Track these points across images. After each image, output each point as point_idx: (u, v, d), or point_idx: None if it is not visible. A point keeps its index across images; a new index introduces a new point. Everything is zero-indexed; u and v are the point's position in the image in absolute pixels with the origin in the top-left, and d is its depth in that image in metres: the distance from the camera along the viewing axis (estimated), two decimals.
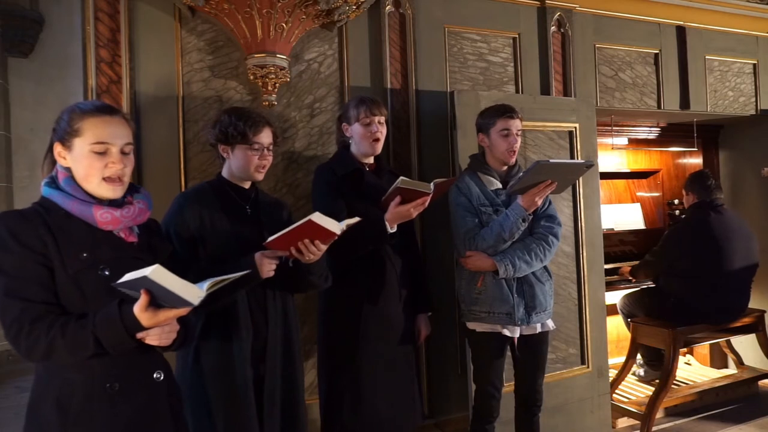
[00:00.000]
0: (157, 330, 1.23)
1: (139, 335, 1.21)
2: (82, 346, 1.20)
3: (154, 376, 1.36)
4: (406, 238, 2.26)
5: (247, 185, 1.91)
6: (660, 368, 3.48)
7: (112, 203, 1.34)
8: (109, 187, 1.31)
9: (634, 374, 3.68)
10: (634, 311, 3.50)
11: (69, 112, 1.33)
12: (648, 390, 3.45)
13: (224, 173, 1.91)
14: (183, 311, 1.21)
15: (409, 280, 2.24)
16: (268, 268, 1.67)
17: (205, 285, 1.19)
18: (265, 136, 1.86)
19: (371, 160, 2.26)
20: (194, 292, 1.16)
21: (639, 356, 3.58)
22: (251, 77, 2.46)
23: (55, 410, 1.25)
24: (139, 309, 1.16)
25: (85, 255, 1.27)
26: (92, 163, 1.29)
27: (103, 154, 1.30)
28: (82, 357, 1.22)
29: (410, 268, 2.27)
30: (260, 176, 1.88)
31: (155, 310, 1.17)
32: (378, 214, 2.01)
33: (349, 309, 2.12)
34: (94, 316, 1.21)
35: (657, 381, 3.40)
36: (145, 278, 1.09)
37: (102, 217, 1.30)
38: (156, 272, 1.09)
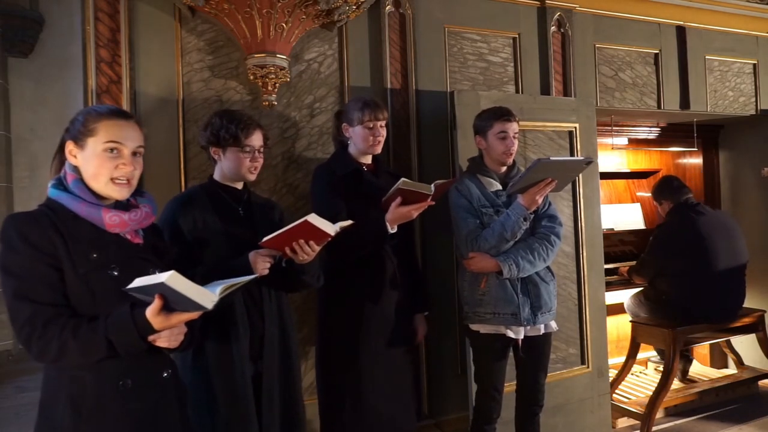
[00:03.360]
0: (167, 332, 1.25)
1: (151, 337, 1.23)
2: (95, 349, 1.22)
3: (164, 374, 1.38)
4: (405, 239, 2.26)
5: (239, 185, 1.93)
6: (682, 364, 3.53)
7: (119, 206, 1.36)
8: (116, 188, 1.33)
9: (633, 374, 3.68)
10: (638, 311, 3.51)
11: (85, 114, 1.36)
12: (648, 390, 3.45)
13: (216, 175, 1.92)
14: (195, 315, 1.23)
15: (408, 279, 2.24)
16: (262, 266, 1.68)
17: (218, 289, 1.20)
18: (256, 139, 1.88)
19: (369, 160, 2.26)
20: (209, 297, 1.18)
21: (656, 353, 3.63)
22: (251, 77, 2.46)
23: (68, 408, 1.27)
24: (151, 313, 1.18)
25: (95, 255, 1.29)
26: (103, 163, 1.31)
27: (114, 154, 1.32)
28: (94, 359, 1.24)
29: (408, 268, 2.27)
30: (252, 177, 1.90)
31: (167, 314, 1.19)
32: (378, 214, 2.01)
33: (348, 309, 2.12)
34: (105, 318, 1.22)
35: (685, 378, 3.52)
36: (162, 284, 1.11)
37: (111, 220, 1.31)
38: (172, 278, 1.11)
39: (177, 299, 1.16)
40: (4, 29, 2.31)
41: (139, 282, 1.14)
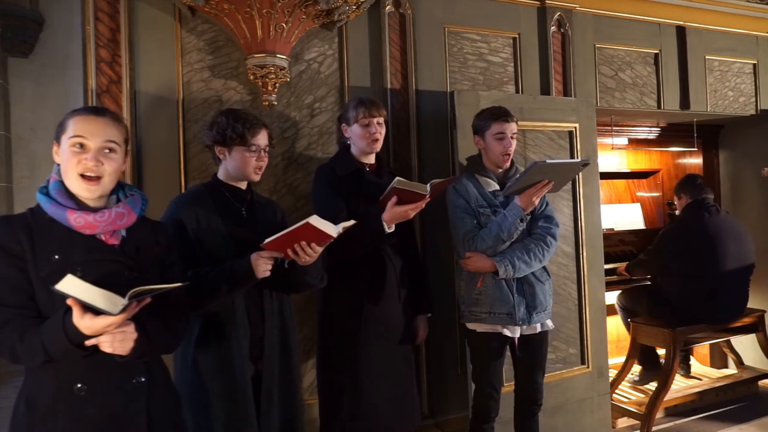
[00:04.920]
0: (108, 337, 1.21)
1: (89, 342, 1.21)
2: (35, 353, 1.22)
3: (134, 380, 1.35)
4: (406, 239, 2.26)
5: (243, 185, 1.92)
6: (654, 373, 3.49)
7: (86, 207, 1.35)
8: (84, 186, 1.32)
9: (633, 374, 3.67)
10: (634, 308, 3.50)
11: (66, 114, 1.37)
12: (648, 390, 3.45)
13: (220, 175, 1.92)
14: (119, 318, 1.19)
15: (409, 280, 2.24)
16: (263, 268, 1.67)
17: (129, 293, 1.18)
18: (262, 138, 1.88)
19: (372, 160, 2.26)
20: (113, 301, 1.15)
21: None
22: (251, 77, 2.46)
23: (25, 408, 1.28)
24: (75, 318, 1.16)
25: (56, 257, 1.28)
26: (70, 158, 1.32)
27: (79, 149, 1.32)
28: (37, 363, 1.24)
29: (410, 268, 2.26)
30: (257, 177, 1.89)
31: (93, 318, 1.16)
32: (376, 213, 2.01)
33: (348, 309, 2.12)
34: (45, 323, 1.23)
35: (651, 384, 3.46)
36: (55, 289, 1.10)
37: (76, 221, 1.31)
38: (64, 284, 1.09)
39: (84, 304, 1.14)
40: (4, 29, 2.31)
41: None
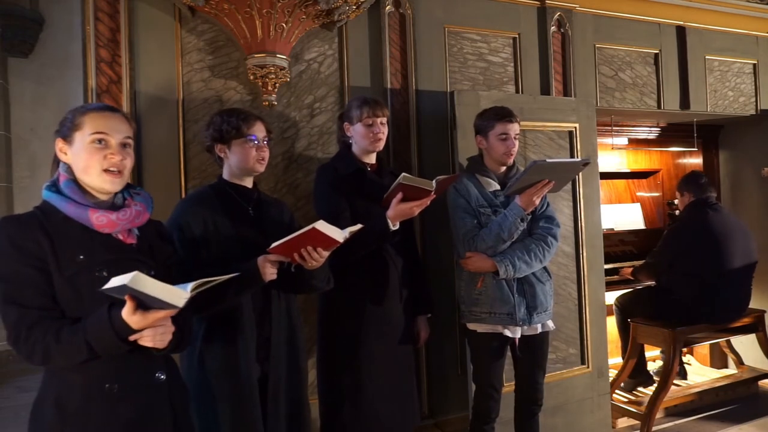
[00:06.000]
0: (150, 331, 1.23)
1: (133, 337, 1.22)
2: (76, 352, 1.22)
3: (156, 376, 1.37)
4: (406, 239, 2.26)
5: (249, 184, 1.92)
6: (641, 379, 3.50)
7: (110, 206, 1.35)
8: (108, 179, 1.33)
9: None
10: (634, 311, 3.49)
11: (73, 111, 1.37)
12: (648, 390, 3.45)
13: (224, 175, 1.91)
14: (172, 312, 1.21)
15: (410, 280, 2.24)
16: (270, 271, 1.67)
17: (189, 287, 1.19)
18: (258, 129, 1.88)
19: (373, 159, 2.26)
20: (178, 295, 1.17)
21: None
22: (251, 77, 2.46)
23: (54, 409, 1.27)
24: (126, 314, 1.17)
25: (81, 257, 1.28)
26: (92, 155, 1.32)
27: (101, 145, 1.32)
28: (77, 362, 1.24)
29: (410, 268, 2.26)
30: (262, 167, 1.89)
31: (144, 313, 1.18)
32: (379, 211, 2.00)
33: (349, 308, 2.12)
34: (85, 321, 1.22)
35: (637, 390, 3.48)
36: (125, 286, 1.10)
37: (98, 221, 1.31)
38: (135, 280, 1.10)
39: (146, 299, 1.15)
40: (4, 29, 2.31)
41: (111, 283, 1.12)
